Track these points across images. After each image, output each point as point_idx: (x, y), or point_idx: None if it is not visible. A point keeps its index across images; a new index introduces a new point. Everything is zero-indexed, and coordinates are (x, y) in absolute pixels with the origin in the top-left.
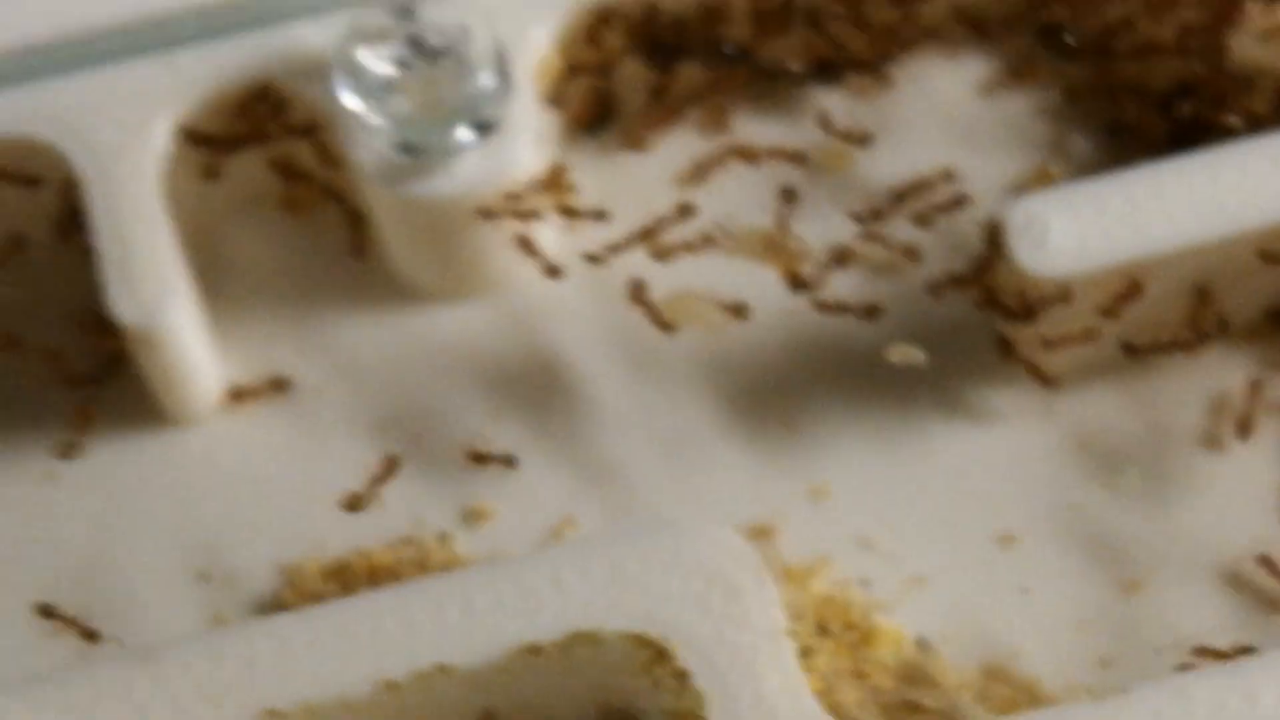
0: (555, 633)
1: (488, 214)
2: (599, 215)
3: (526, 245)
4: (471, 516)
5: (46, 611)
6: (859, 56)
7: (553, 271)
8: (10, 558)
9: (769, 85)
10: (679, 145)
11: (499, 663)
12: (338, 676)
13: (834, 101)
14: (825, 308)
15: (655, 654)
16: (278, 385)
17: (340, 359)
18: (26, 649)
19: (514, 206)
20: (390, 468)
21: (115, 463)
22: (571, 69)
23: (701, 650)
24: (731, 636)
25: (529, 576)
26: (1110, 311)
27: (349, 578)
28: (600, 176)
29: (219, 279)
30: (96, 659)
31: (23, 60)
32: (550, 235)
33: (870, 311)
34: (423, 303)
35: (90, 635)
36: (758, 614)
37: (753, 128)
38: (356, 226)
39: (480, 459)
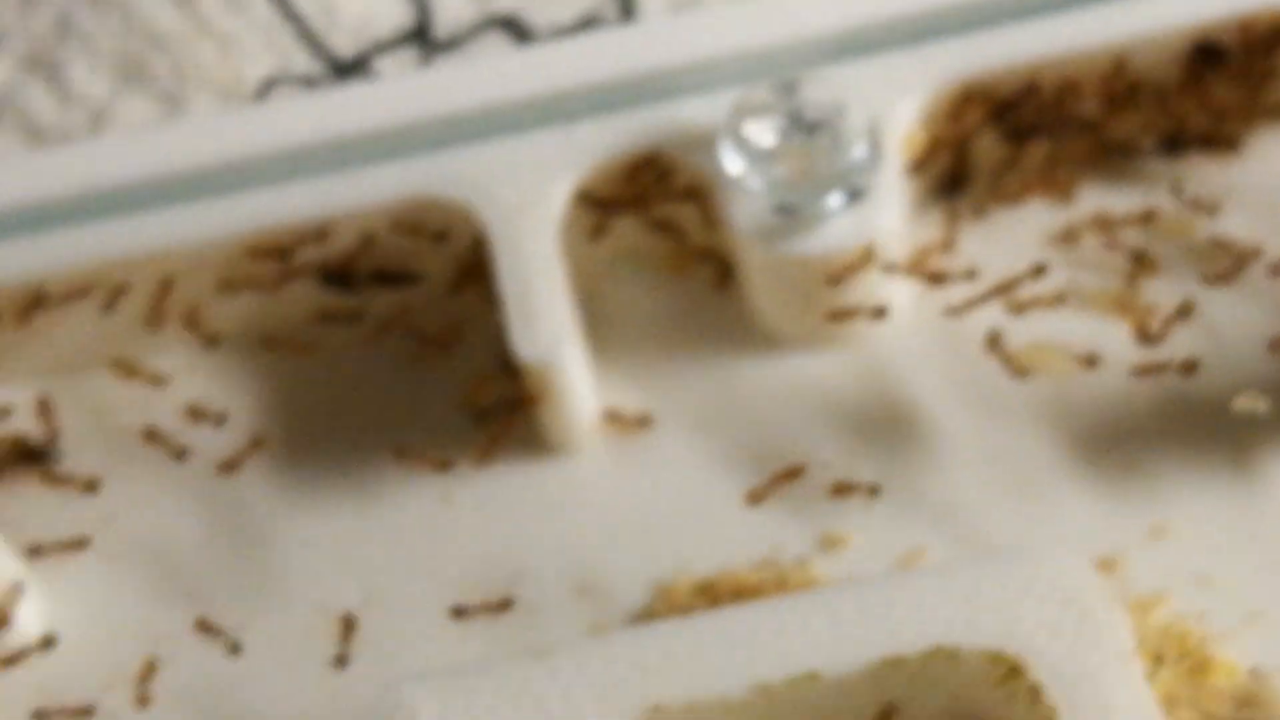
0: (916, 647)
1: (852, 271)
2: (969, 274)
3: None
4: (828, 544)
5: (459, 612)
6: (1203, 132)
7: (879, 313)
8: (416, 567)
9: (1115, 155)
10: (1027, 211)
11: (864, 671)
12: (716, 678)
13: (1179, 170)
14: (1145, 370)
15: (1010, 670)
16: (648, 420)
17: (707, 398)
18: (436, 648)
19: (877, 265)
20: (794, 473)
21: (508, 486)
22: (934, 141)
23: (1054, 668)
24: (1082, 657)
25: (893, 594)
26: None
27: (715, 595)
28: (957, 238)
29: (600, 324)
30: (497, 659)
31: (441, 129)
32: (906, 289)
33: (1187, 368)
34: (785, 349)
35: (503, 605)
36: (1108, 637)
37: (1098, 195)
38: (726, 281)
39: (844, 490)
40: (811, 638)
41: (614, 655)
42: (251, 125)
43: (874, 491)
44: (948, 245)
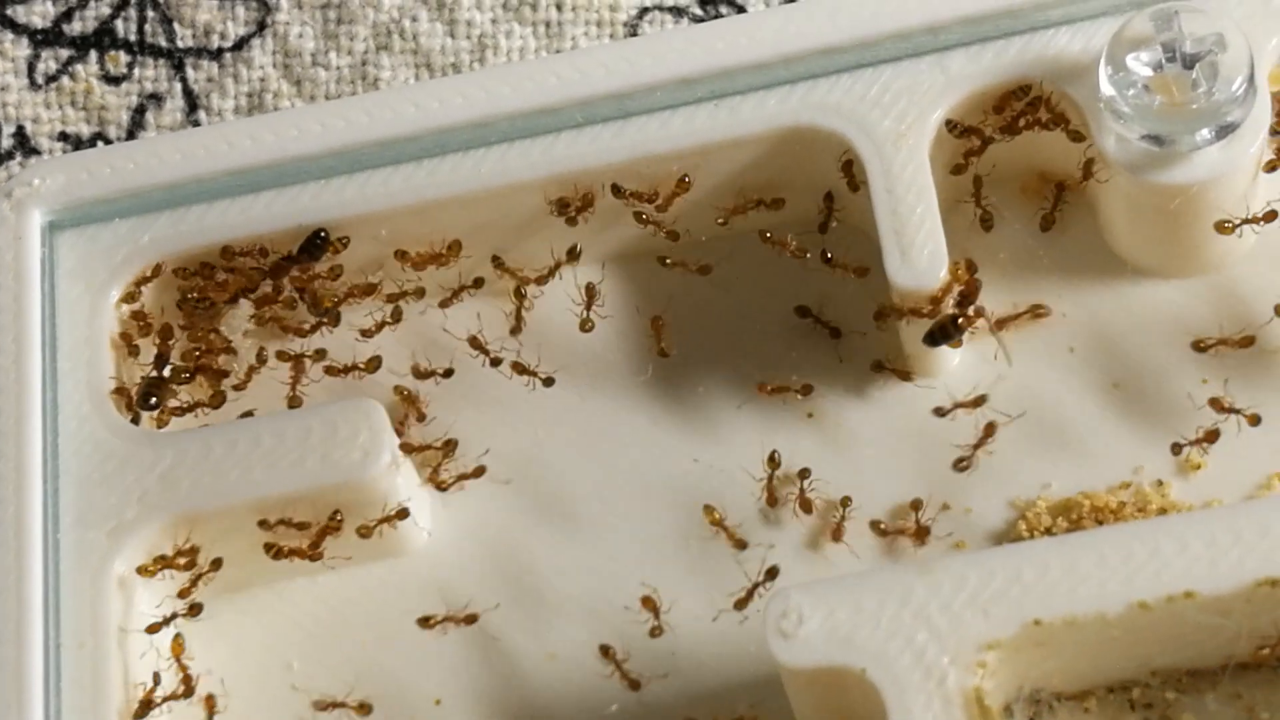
0: None
1: (1223, 227)
2: None
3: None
4: (1184, 467)
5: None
6: None
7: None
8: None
9: None
10: None
11: (1239, 592)
12: (1095, 594)
13: None
14: None
15: None
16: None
17: (1060, 323)
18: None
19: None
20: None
21: (866, 410)
22: None
23: None
24: None
25: (1268, 516)
26: None
27: (1075, 515)
28: None
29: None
30: (875, 569)
31: (813, 60)
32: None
33: None
34: (1137, 278)
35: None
36: None
37: None
38: (1083, 210)
39: (1223, 407)
40: (1188, 558)
41: (993, 570)
42: (632, 56)
43: (1256, 421)
44: None
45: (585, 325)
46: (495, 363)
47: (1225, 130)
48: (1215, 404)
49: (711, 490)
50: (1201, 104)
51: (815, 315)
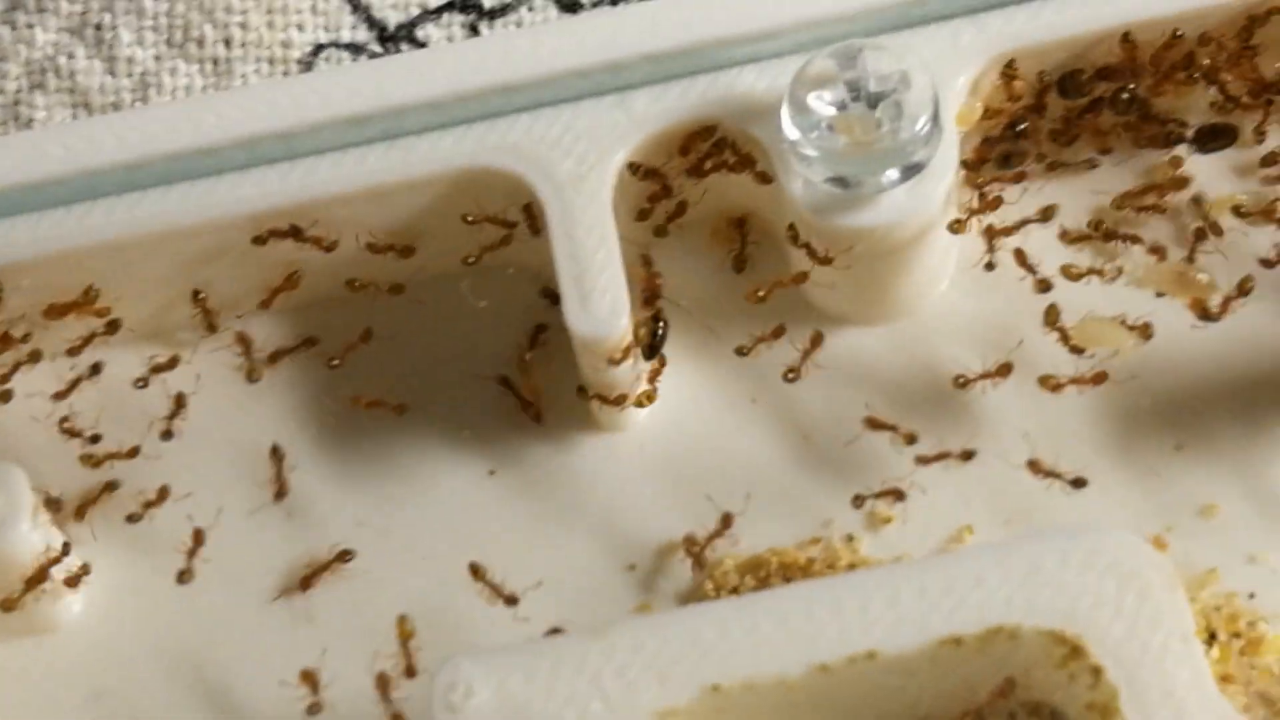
0: (976, 626)
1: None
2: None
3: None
4: (874, 521)
5: (476, 571)
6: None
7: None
8: (451, 543)
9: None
10: (1079, 183)
11: (922, 651)
12: (774, 657)
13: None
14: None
15: (1071, 650)
16: (693, 395)
17: (755, 372)
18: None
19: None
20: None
21: (552, 465)
22: (988, 113)
23: (1115, 648)
24: (1143, 635)
25: (952, 573)
26: None
27: (763, 572)
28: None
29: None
30: (550, 637)
31: (492, 99)
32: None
33: None
34: (835, 324)
35: (510, 600)
36: (1169, 615)
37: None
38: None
39: (926, 460)
40: (870, 617)
41: (670, 634)
42: (299, 94)
43: (962, 456)
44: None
45: (253, 375)
46: (167, 435)
47: (911, 170)
48: (922, 459)
49: (378, 557)
50: (886, 144)
51: (514, 389)
